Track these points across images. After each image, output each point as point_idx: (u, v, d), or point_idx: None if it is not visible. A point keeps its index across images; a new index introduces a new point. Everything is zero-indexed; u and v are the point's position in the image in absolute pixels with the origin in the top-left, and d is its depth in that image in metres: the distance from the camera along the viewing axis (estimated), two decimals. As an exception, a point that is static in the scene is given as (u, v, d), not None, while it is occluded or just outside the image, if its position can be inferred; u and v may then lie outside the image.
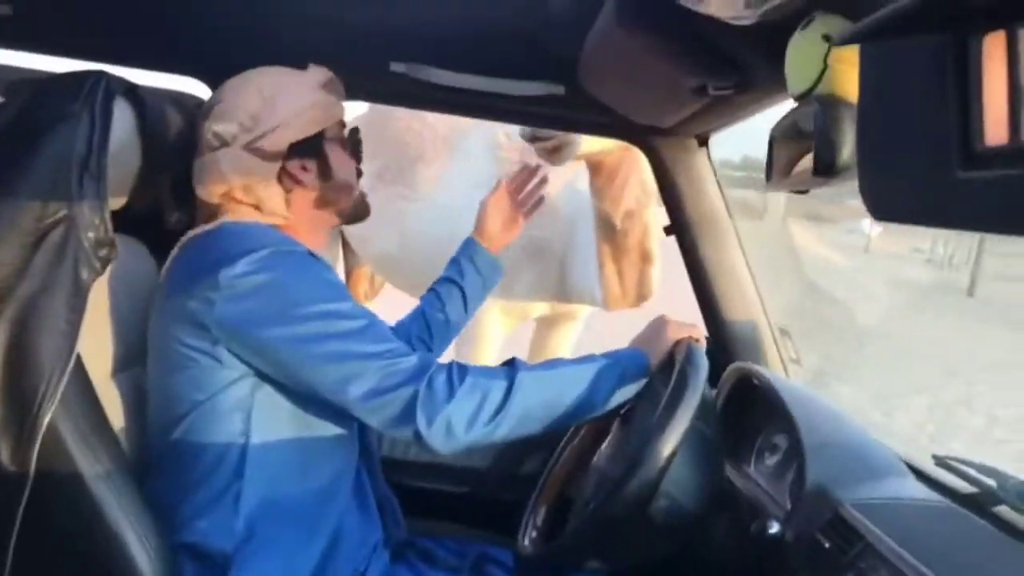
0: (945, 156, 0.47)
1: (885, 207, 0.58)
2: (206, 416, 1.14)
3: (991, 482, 1.05)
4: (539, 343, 3.36)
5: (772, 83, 1.05)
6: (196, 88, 1.49)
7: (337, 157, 1.26)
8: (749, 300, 1.65)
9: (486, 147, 3.02)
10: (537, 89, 1.49)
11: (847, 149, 0.71)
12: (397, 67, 1.47)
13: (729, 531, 1.23)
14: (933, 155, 0.50)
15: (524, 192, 1.63)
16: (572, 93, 1.48)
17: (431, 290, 1.62)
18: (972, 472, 1.07)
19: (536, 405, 1.13)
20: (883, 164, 0.58)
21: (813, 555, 1.00)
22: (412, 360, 1.09)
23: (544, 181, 1.65)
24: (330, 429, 1.21)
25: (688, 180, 1.63)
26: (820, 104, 0.72)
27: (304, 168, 1.23)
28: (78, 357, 1.05)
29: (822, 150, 0.71)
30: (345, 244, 3.82)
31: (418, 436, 1.07)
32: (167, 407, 1.17)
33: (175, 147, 1.25)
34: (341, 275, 3.82)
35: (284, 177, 1.22)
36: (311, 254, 1.17)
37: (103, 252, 1.10)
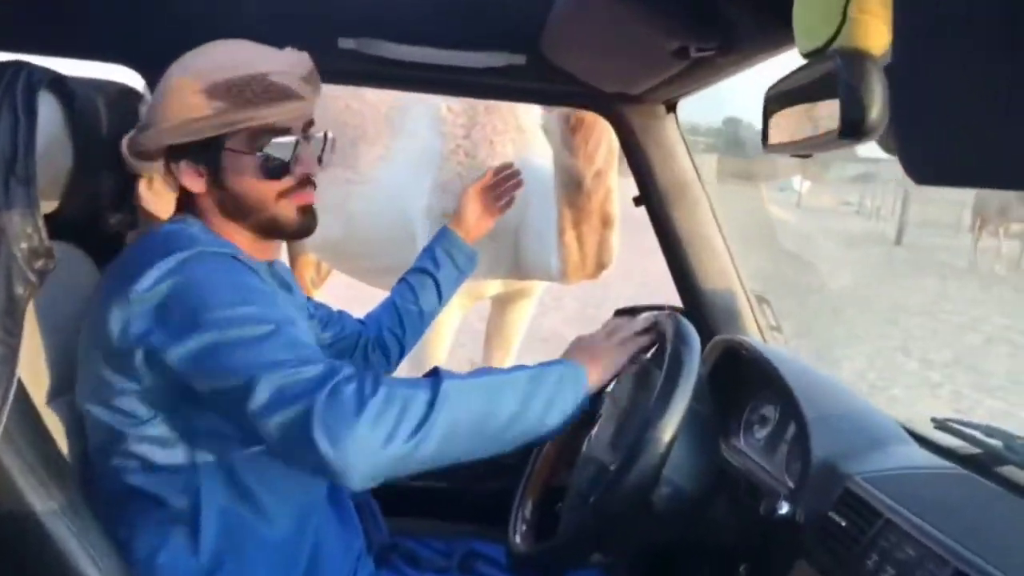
0: (1003, 107, 0.41)
1: (928, 169, 0.52)
2: (144, 444, 1.04)
3: (996, 442, 1.03)
4: (496, 322, 3.30)
5: (759, 42, 0.99)
6: (127, 76, 1.38)
7: (236, 166, 1.10)
8: (724, 268, 1.61)
9: (429, 123, 2.91)
10: (496, 60, 1.40)
11: (876, 107, 0.65)
12: (346, 43, 1.36)
13: (729, 511, 1.19)
14: (988, 107, 0.44)
15: (503, 187, 1.60)
16: (533, 63, 1.40)
17: (403, 281, 1.55)
18: (976, 434, 1.04)
19: (464, 419, 0.96)
20: (926, 121, 0.52)
21: (829, 535, 0.97)
22: (317, 368, 0.93)
23: (520, 180, 1.62)
24: None
25: (658, 147, 1.58)
26: (843, 59, 0.66)
27: (199, 173, 1.11)
28: (19, 382, 0.94)
29: (850, 109, 0.65)
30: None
31: (323, 459, 0.88)
32: (102, 436, 1.07)
33: (110, 141, 1.14)
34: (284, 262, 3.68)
35: (173, 177, 1.12)
36: (233, 257, 1.05)
37: (39, 264, 0.98)
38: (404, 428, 0.90)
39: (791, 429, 1.25)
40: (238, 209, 1.12)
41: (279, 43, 1.15)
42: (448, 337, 2.96)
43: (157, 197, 1.12)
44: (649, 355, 1.24)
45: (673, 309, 1.69)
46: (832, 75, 0.69)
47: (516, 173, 1.62)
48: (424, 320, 1.53)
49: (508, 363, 3.34)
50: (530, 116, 2.91)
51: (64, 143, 1.10)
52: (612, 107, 1.57)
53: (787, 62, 1.16)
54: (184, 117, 1.05)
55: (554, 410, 1.01)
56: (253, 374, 0.92)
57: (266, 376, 0.91)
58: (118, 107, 1.19)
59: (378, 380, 0.94)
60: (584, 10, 1.08)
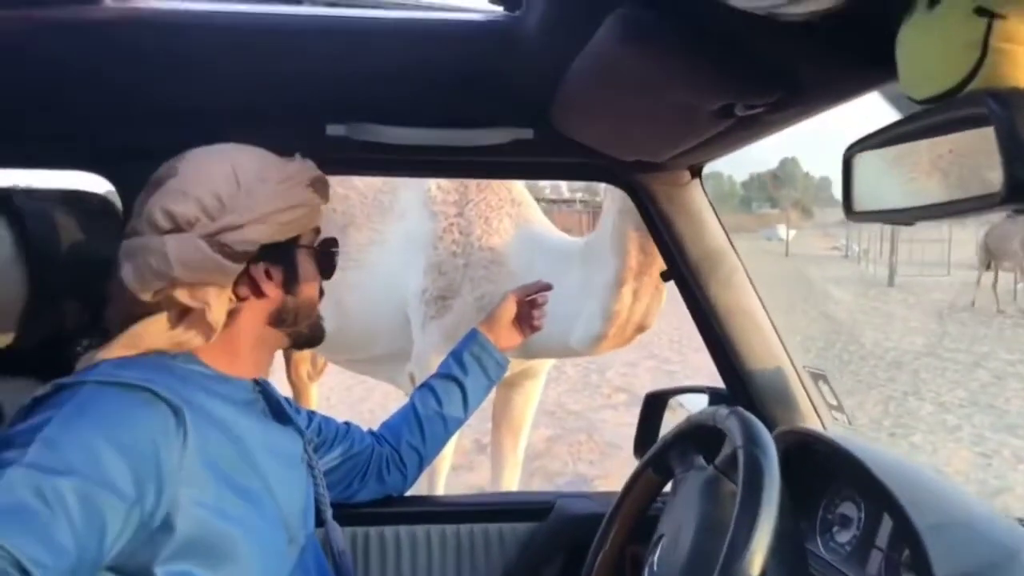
0: None
1: None
2: None
3: None
4: (503, 406, 3.10)
5: (824, 92, 0.85)
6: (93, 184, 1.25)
7: (307, 269, 1.04)
8: (771, 344, 1.44)
9: (419, 203, 2.79)
10: (502, 137, 1.26)
11: (1054, 161, 0.49)
12: (335, 130, 1.22)
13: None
14: None
15: (538, 304, 1.46)
16: (542, 136, 1.26)
17: (424, 387, 1.37)
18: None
19: None
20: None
21: None
22: None
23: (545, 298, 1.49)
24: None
25: (686, 217, 1.43)
26: (996, 103, 0.51)
27: (268, 275, 0.99)
28: None
29: (1017, 165, 0.49)
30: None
31: None
32: None
33: (74, 258, 1.01)
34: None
35: (242, 283, 0.97)
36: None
37: None
38: None
39: (882, 533, 1.06)
40: (296, 314, 1.03)
41: (262, 139, 1.02)
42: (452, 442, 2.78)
43: (222, 305, 0.96)
44: (716, 462, 1.06)
45: (712, 391, 1.52)
46: (973, 121, 0.53)
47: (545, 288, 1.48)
48: (448, 431, 1.36)
49: (521, 445, 3.12)
50: (520, 186, 2.80)
51: (15, 268, 0.97)
52: (630, 176, 1.43)
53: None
54: (292, 211, 0.98)
55: None
56: None
57: None
58: (84, 218, 1.05)
59: None
60: (603, 74, 0.93)
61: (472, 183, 2.70)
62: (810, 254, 22.54)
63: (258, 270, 0.97)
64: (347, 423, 1.32)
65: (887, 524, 1.06)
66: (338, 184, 2.99)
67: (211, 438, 0.89)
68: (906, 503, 0.93)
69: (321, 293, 1.08)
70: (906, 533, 0.94)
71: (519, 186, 2.79)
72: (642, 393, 1.33)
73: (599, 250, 2.27)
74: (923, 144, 0.60)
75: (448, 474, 2.99)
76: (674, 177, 1.41)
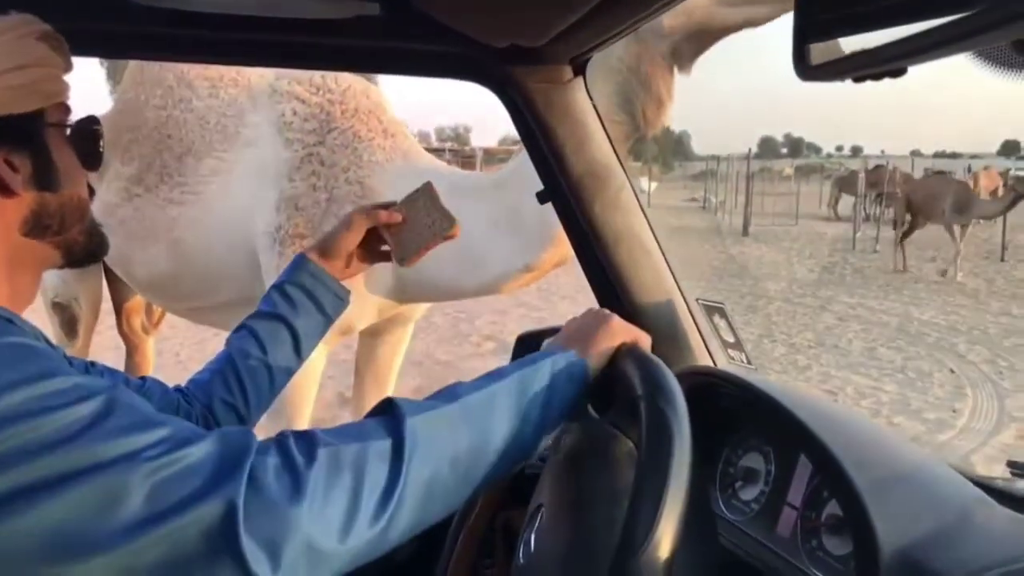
0: None
1: None
2: None
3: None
4: (368, 355, 2.86)
5: None
6: None
7: (63, 156, 0.81)
8: (660, 272, 1.28)
9: (271, 129, 2.44)
10: (341, 10, 1.01)
11: None
12: None
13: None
14: None
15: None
16: (391, 13, 1.02)
17: (242, 329, 1.09)
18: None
19: (445, 463, 0.70)
20: None
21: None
22: (207, 447, 0.61)
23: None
24: None
25: (568, 122, 1.21)
26: None
27: (10, 165, 0.76)
28: None
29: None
30: (108, 273, 3.06)
31: None
32: None
33: None
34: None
35: None
36: None
37: None
38: (366, 504, 0.64)
39: (794, 489, 0.94)
40: (62, 217, 0.80)
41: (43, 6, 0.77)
42: (313, 387, 2.48)
43: None
44: (609, 413, 0.89)
45: None
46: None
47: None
48: (275, 382, 1.09)
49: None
50: (390, 115, 2.51)
51: None
52: (502, 70, 1.19)
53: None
54: (21, 74, 0.74)
55: (547, 424, 0.79)
56: (96, 481, 0.57)
57: (126, 475, 0.57)
58: None
59: (309, 440, 0.65)
60: None
61: (336, 109, 2.39)
62: (670, 204, 23.32)
63: None
64: (143, 378, 1.04)
65: (801, 478, 0.94)
66: (174, 108, 2.60)
67: None
68: (841, 457, 0.79)
69: (91, 192, 0.84)
70: (837, 492, 0.81)
71: (391, 115, 2.50)
72: (511, 342, 1.12)
73: (525, 176, 2.04)
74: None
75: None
76: (554, 72, 1.18)
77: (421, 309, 2.77)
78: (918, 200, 11.85)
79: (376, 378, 2.84)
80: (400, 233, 1.12)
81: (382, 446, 0.67)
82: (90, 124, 0.85)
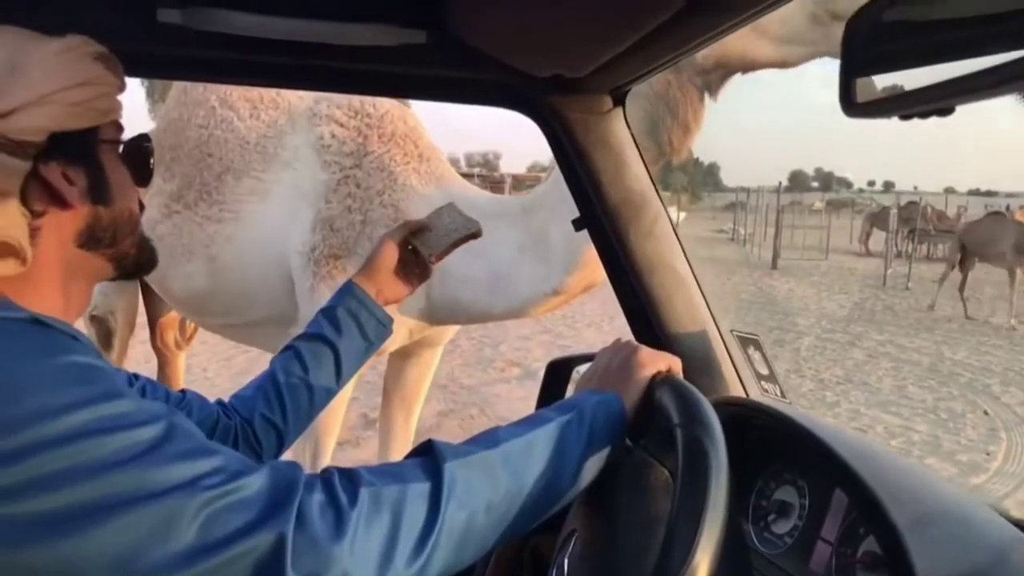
0: None
1: None
2: None
3: None
4: (397, 377, 2.87)
5: None
6: None
7: (116, 172, 0.83)
8: (695, 303, 1.28)
9: (309, 150, 2.49)
10: (386, 37, 1.02)
11: None
12: (168, 15, 0.96)
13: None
14: None
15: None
16: (436, 41, 1.04)
17: (289, 350, 1.12)
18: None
19: (480, 508, 0.71)
20: None
21: None
22: (260, 480, 0.63)
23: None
24: None
25: (606, 151, 1.22)
26: None
27: (67, 178, 0.76)
28: None
29: None
30: (146, 289, 3.12)
31: None
32: None
33: None
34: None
35: (34, 189, 0.73)
36: (39, 322, 0.66)
37: None
38: (403, 545, 0.66)
39: (829, 524, 0.93)
40: (114, 231, 0.82)
41: (79, 23, 0.79)
42: (342, 408, 2.50)
43: (11, 221, 0.71)
44: (644, 441, 0.89)
45: None
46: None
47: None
48: (315, 402, 1.11)
49: (413, 421, 2.91)
50: (427, 141, 2.55)
51: None
52: (542, 99, 1.21)
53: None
54: (80, 91, 0.75)
55: (586, 469, 0.79)
56: (152, 509, 0.58)
57: (182, 506, 0.59)
58: None
59: (352, 478, 0.68)
60: None
61: (373, 134, 2.44)
62: (698, 235, 23.23)
63: (53, 172, 0.74)
64: (183, 391, 1.07)
65: (836, 513, 0.93)
66: (216, 127, 2.66)
67: None
68: (880, 493, 0.79)
69: (141, 207, 0.86)
70: (874, 528, 0.80)
71: (427, 140, 2.54)
72: (536, 368, 1.14)
73: (553, 201, 2.07)
74: None
75: (333, 451, 2.75)
76: (594, 102, 1.20)
77: (450, 332, 2.78)
78: (973, 241, 11.56)
79: (404, 399, 2.86)
80: (427, 236, 1.19)
81: (421, 489, 0.69)
82: (141, 142, 0.88)
